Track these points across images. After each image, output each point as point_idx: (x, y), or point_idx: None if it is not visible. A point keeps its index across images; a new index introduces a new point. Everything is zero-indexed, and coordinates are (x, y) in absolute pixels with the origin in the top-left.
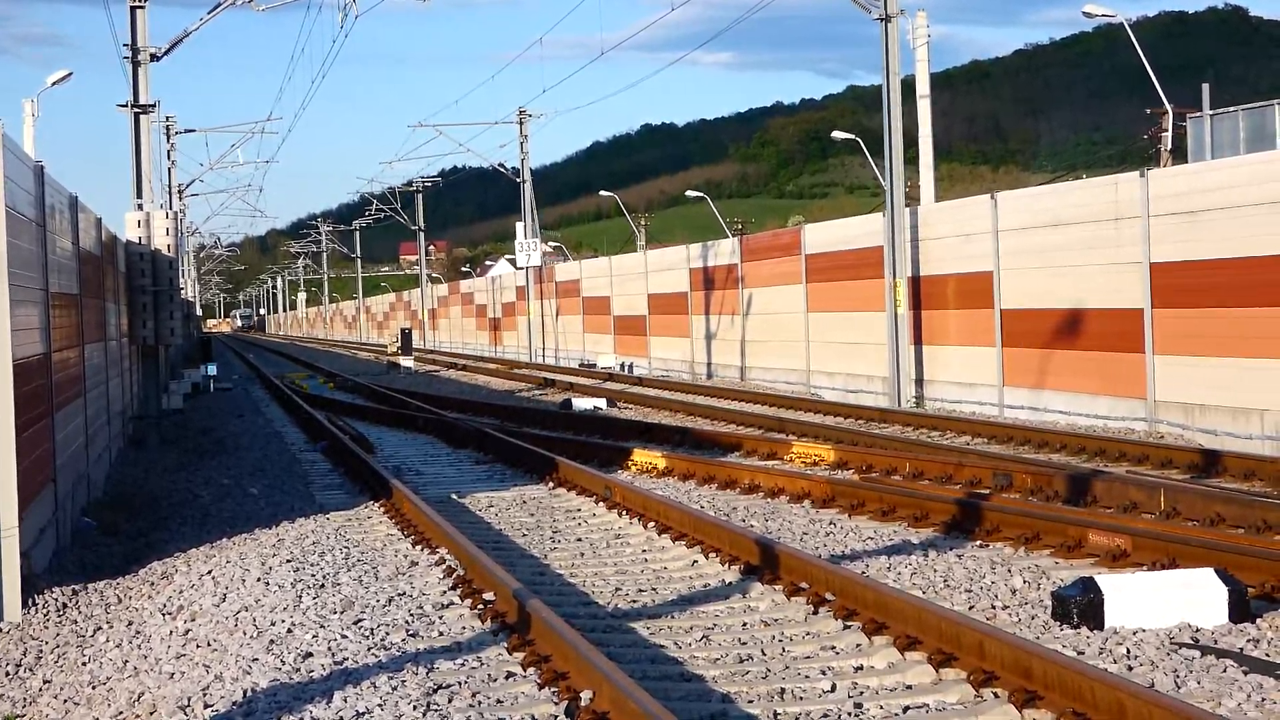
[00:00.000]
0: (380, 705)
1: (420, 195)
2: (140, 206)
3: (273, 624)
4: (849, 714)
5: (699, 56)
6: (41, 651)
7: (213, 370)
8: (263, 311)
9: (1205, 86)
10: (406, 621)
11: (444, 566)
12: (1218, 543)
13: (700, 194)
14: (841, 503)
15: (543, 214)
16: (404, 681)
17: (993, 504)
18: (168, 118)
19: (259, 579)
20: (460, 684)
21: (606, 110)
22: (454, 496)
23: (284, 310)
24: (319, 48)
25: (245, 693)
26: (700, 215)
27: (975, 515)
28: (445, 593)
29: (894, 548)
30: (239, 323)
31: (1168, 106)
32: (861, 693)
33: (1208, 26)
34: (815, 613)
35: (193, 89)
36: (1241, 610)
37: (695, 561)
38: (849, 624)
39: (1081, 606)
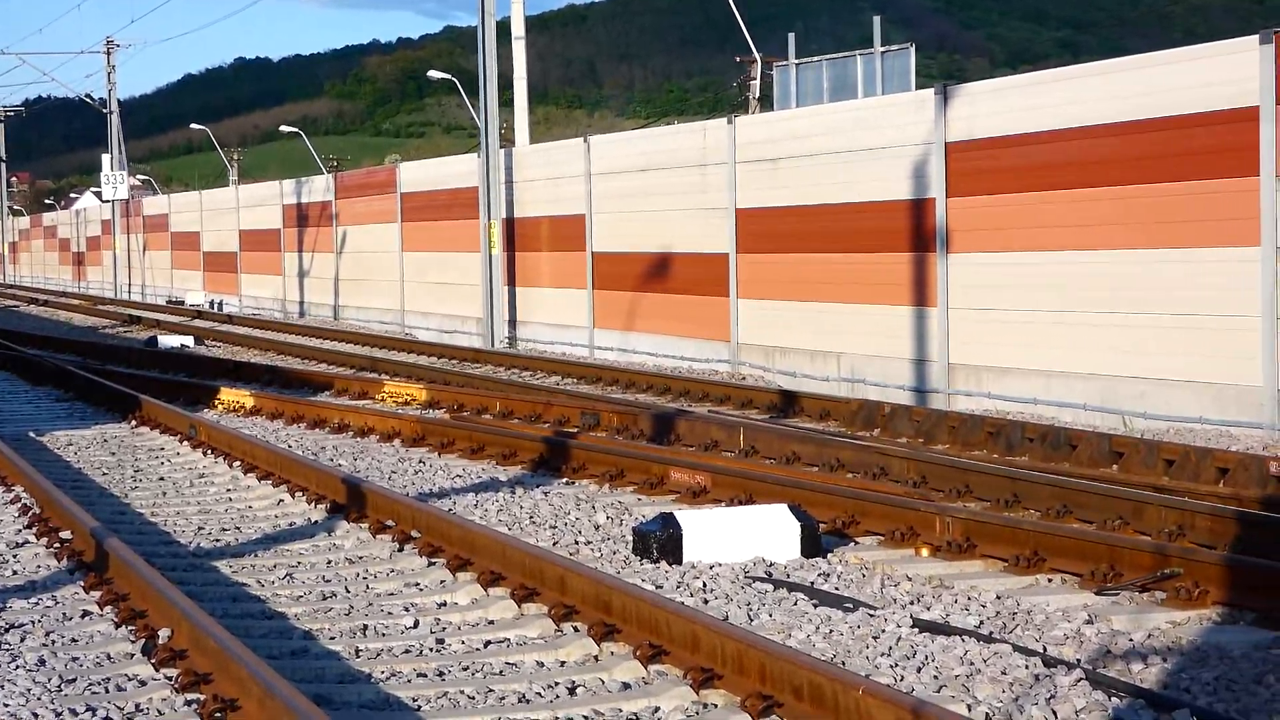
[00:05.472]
0: None
1: (1, 125)
2: None
3: None
4: (430, 649)
5: None
6: None
7: None
8: None
9: (791, 36)
10: None
11: (20, 505)
12: (792, 480)
13: (295, 129)
14: (431, 441)
15: (131, 147)
16: None
17: (579, 442)
18: None
19: None
20: (33, 623)
21: (199, 42)
22: (32, 434)
23: None
24: None
25: None
26: (295, 151)
27: (562, 453)
28: (20, 531)
29: (482, 485)
30: None
31: (756, 55)
32: (444, 628)
33: None
34: (400, 550)
35: None
36: (814, 545)
37: (281, 500)
38: (434, 561)
39: (661, 541)
